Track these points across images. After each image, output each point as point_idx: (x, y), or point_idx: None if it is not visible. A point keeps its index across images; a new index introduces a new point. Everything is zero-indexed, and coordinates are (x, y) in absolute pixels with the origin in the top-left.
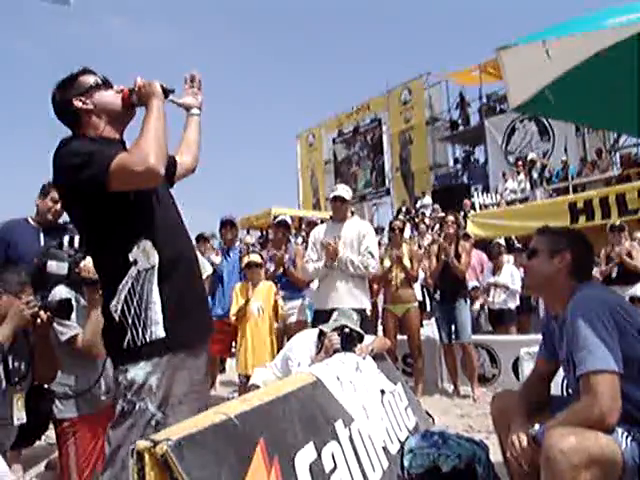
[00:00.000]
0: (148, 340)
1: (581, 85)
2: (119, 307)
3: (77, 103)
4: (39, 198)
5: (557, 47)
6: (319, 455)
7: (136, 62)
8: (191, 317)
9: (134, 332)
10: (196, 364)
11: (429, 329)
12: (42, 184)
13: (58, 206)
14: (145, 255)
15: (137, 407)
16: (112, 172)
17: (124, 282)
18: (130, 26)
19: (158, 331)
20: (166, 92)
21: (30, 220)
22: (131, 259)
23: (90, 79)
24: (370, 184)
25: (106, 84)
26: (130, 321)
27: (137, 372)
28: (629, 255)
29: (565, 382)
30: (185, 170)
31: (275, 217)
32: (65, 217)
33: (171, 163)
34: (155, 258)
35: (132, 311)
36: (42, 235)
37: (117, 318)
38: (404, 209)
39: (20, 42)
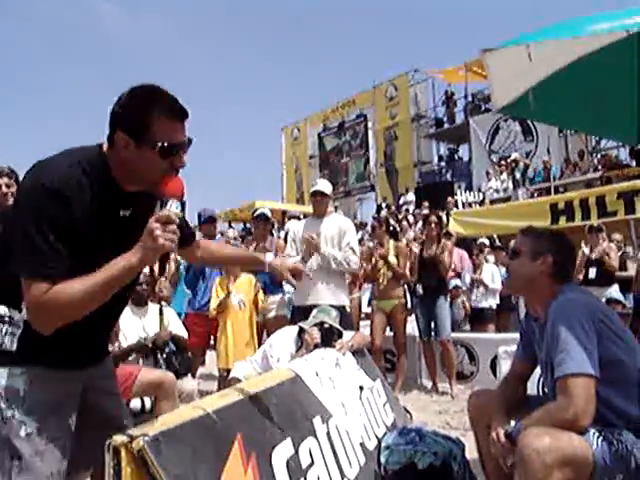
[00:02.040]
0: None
1: (563, 89)
2: None
3: (119, 138)
4: None
5: (539, 51)
6: (296, 451)
7: (127, 51)
8: (55, 342)
9: None
10: (65, 378)
11: (409, 326)
12: None
13: (13, 189)
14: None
15: (5, 415)
16: (26, 283)
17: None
18: (122, 14)
19: (10, 344)
20: (163, 267)
21: None
22: (23, 306)
23: (164, 131)
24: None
25: (170, 154)
26: None
27: (3, 374)
28: (607, 256)
29: (541, 382)
30: (186, 253)
31: (253, 212)
32: None
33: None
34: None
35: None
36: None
37: None
38: (384, 205)
39: (10, 26)
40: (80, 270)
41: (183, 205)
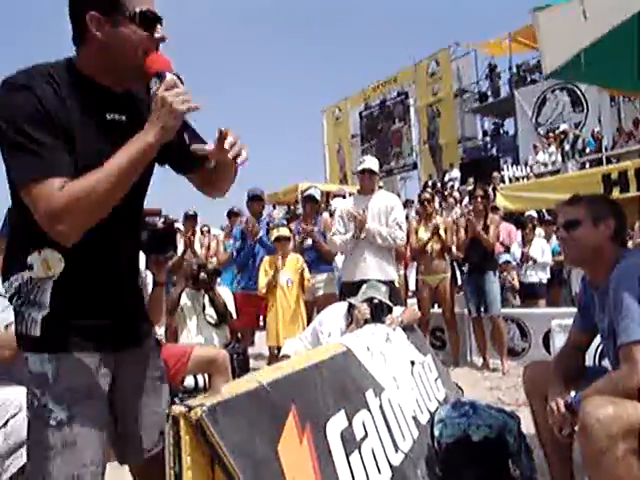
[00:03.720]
0: (24, 333)
1: (620, 48)
2: (10, 292)
3: (90, 23)
4: None
5: (594, 6)
6: (350, 423)
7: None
8: (83, 329)
9: (18, 319)
10: (94, 363)
11: (458, 302)
12: None
13: None
14: (44, 265)
15: (36, 403)
16: (28, 190)
17: (15, 277)
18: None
19: (34, 330)
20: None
21: None
22: (28, 262)
23: (135, 2)
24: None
25: (150, 22)
26: (16, 307)
27: (34, 359)
28: None
29: (598, 354)
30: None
31: (303, 192)
32: None
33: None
34: (57, 270)
35: (20, 300)
36: None
37: (9, 297)
38: (430, 183)
39: None
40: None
41: (160, 76)
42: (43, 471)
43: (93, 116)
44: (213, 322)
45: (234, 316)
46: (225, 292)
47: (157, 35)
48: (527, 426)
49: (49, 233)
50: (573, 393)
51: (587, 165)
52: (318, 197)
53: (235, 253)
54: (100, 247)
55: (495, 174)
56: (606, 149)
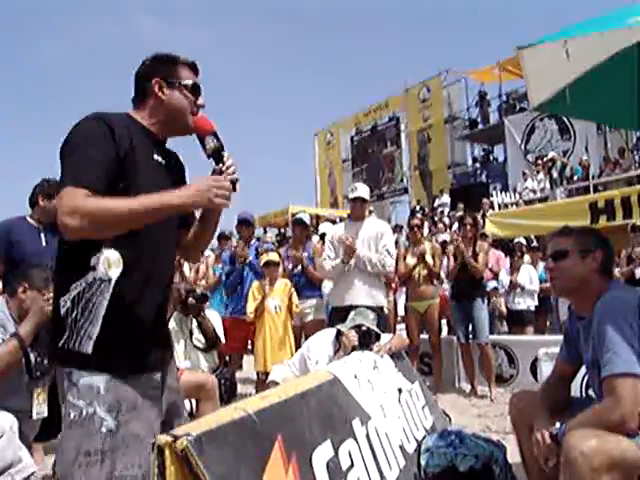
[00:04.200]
0: (77, 349)
1: (602, 84)
2: (67, 304)
3: (155, 86)
4: (42, 199)
5: (577, 47)
6: (336, 453)
7: None
8: (131, 348)
9: (69, 334)
10: (143, 379)
11: (446, 328)
12: (43, 183)
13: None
14: (105, 265)
15: (84, 413)
16: (64, 191)
17: (78, 283)
18: (161, 25)
19: (86, 346)
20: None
21: (29, 219)
22: (91, 263)
23: (186, 77)
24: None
25: (196, 90)
26: (69, 322)
27: (81, 373)
28: None
29: (585, 383)
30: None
31: (293, 215)
32: None
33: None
34: (115, 272)
35: (74, 314)
36: (43, 234)
37: (63, 312)
38: (418, 207)
39: (51, 44)
40: None
41: (216, 136)
42: (88, 474)
43: (146, 155)
44: (201, 346)
45: (223, 340)
46: (214, 316)
47: (199, 102)
48: (514, 455)
49: (59, 223)
50: (558, 424)
51: (575, 192)
52: (307, 221)
53: (224, 277)
54: (151, 264)
55: (485, 200)
56: (593, 177)
